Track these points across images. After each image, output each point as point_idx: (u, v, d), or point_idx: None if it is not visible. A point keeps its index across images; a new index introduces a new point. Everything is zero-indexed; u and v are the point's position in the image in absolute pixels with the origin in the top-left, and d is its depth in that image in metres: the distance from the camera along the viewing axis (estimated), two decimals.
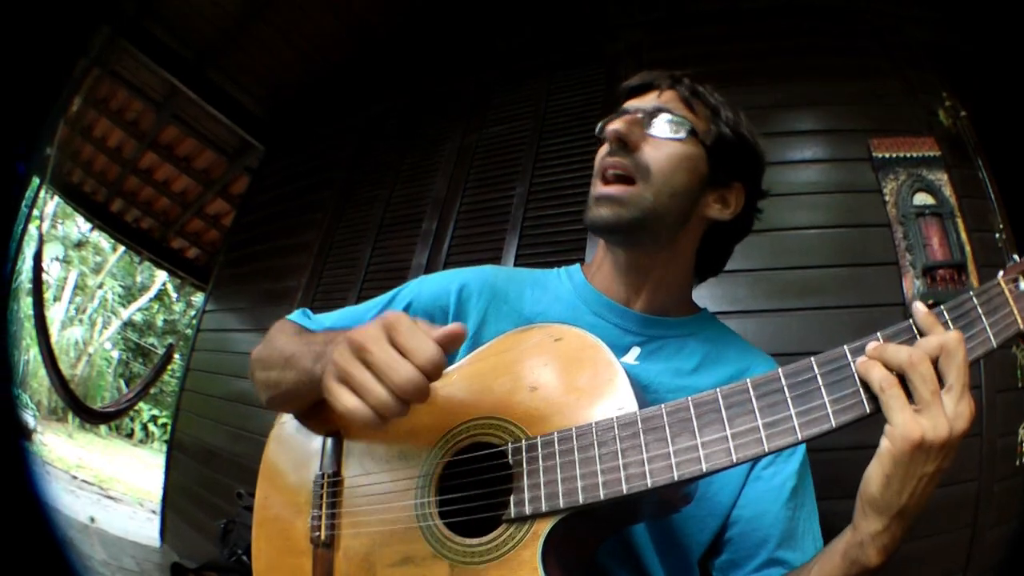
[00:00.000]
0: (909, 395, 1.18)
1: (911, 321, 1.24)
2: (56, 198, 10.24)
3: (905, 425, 1.16)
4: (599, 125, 1.84)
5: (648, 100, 1.81)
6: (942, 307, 1.24)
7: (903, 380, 1.19)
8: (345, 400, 1.31)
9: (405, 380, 1.26)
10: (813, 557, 1.48)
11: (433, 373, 1.30)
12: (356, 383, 1.31)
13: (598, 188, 1.74)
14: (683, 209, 1.77)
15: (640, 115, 1.75)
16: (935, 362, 1.19)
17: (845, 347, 1.25)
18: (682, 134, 1.73)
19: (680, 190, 1.73)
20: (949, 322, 1.23)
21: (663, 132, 1.73)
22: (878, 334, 1.25)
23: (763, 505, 1.62)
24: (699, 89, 1.83)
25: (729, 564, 1.65)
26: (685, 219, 1.79)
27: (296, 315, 2.01)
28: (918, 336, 1.23)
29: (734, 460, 1.24)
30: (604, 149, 1.78)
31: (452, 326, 1.35)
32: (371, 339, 1.32)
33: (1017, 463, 3.41)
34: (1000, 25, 3.81)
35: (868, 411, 1.21)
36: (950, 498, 3.32)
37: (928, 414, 1.16)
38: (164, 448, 8.90)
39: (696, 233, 1.86)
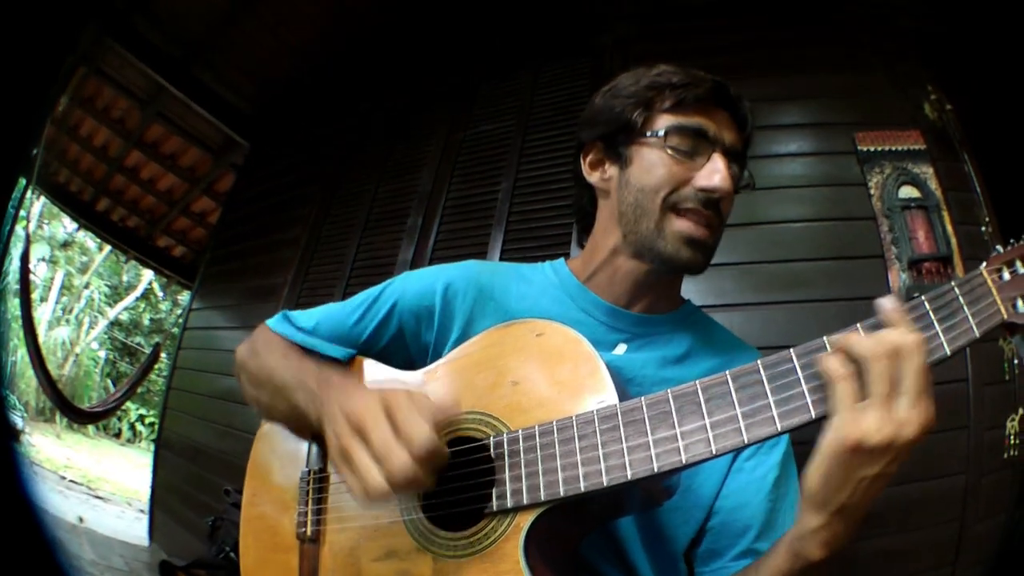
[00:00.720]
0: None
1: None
2: (43, 198, 10.22)
3: (845, 424, 1.15)
4: (648, 121, 1.74)
5: (725, 129, 1.73)
6: (923, 297, 1.22)
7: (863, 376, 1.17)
8: (350, 482, 1.36)
9: (399, 472, 1.29)
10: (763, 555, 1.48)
11: (428, 460, 1.31)
12: (355, 467, 1.34)
13: (690, 229, 1.67)
14: None
15: (727, 160, 1.69)
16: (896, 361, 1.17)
17: (825, 338, 1.24)
18: (746, 190, 1.77)
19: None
20: (930, 312, 1.22)
21: (738, 187, 1.74)
22: (858, 325, 1.23)
23: (744, 496, 1.62)
24: (750, 119, 1.81)
25: (709, 553, 1.65)
26: None
27: (277, 322, 1.99)
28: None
29: (713, 451, 1.24)
30: (677, 172, 1.68)
31: (450, 405, 1.41)
32: (371, 421, 1.35)
33: (1005, 456, 3.42)
34: (986, 17, 3.81)
35: None
36: (938, 492, 3.32)
37: (874, 414, 1.14)
38: (152, 447, 8.89)
39: None
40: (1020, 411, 3.46)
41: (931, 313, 1.21)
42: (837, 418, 1.16)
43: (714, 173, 1.65)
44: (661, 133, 1.70)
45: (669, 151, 1.69)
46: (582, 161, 1.91)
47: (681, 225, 1.67)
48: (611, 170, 1.82)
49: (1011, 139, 3.79)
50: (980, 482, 3.35)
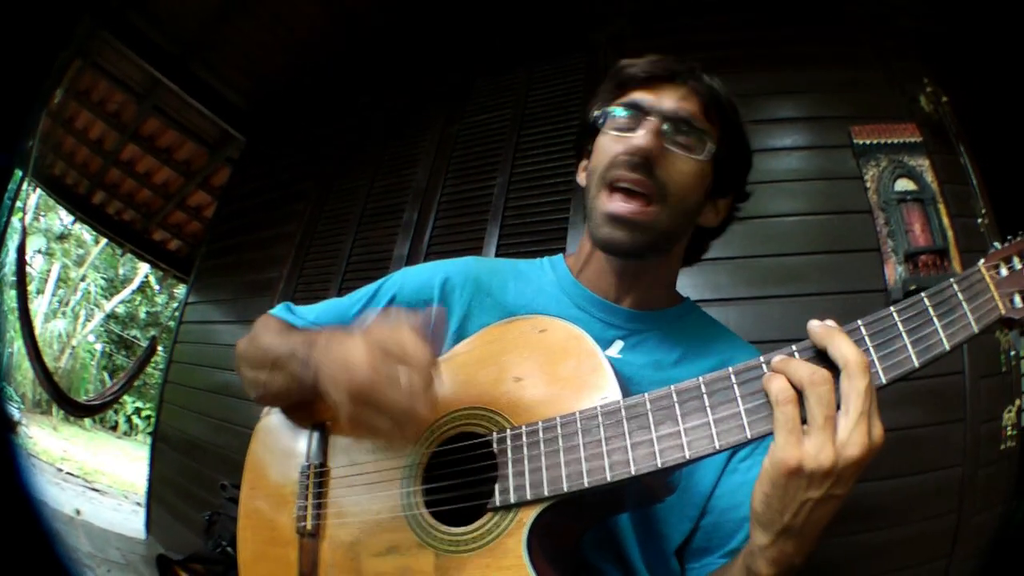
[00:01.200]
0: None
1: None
2: (39, 190, 10.22)
3: (783, 449, 1.15)
4: (602, 110, 1.77)
5: (666, 98, 1.70)
6: (923, 294, 1.23)
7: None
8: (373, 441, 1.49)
9: (422, 407, 1.34)
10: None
11: (429, 372, 1.36)
12: (376, 433, 1.43)
13: (611, 204, 1.66)
14: (691, 225, 1.78)
15: (659, 122, 1.66)
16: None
17: (761, 359, 1.26)
18: (703, 155, 1.67)
19: (692, 209, 1.73)
20: (930, 308, 1.22)
21: (684, 149, 1.66)
22: (793, 348, 1.25)
23: (738, 497, 1.60)
24: (716, 90, 1.74)
25: (700, 551, 1.65)
26: (687, 232, 1.80)
27: (279, 309, 2.01)
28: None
29: (717, 447, 1.24)
30: (614, 148, 1.68)
31: (433, 312, 1.40)
32: (379, 375, 1.35)
33: (1001, 448, 3.43)
34: (983, 12, 3.81)
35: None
36: (935, 484, 3.33)
37: (815, 439, 1.14)
38: (148, 440, 8.89)
39: (688, 238, 1.85)
40: (1017, 403, 3.48)
41: (931, 309, 1.22)
42: (776, 441, 1.17)
43: (633, 137, 1.64)
44: (602, 119, 1.74)
45: (612, 132, 1.71)
46: (577, 168, 1.93)
47: (604, 202, 1.68)
48: (586, 167, 1.84)
49: (1007, 131, 3.79)
50: (977, 474, 3.36)
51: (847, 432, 1.13)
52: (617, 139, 1.69)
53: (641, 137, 1.62)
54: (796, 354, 1.23)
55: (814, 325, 1.22)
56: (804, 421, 1.16)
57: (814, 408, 1.14)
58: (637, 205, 1.63)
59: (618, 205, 1.64)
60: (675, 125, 1.66)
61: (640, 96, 1.72)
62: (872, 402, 1.15)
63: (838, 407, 1.15)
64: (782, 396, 1.16)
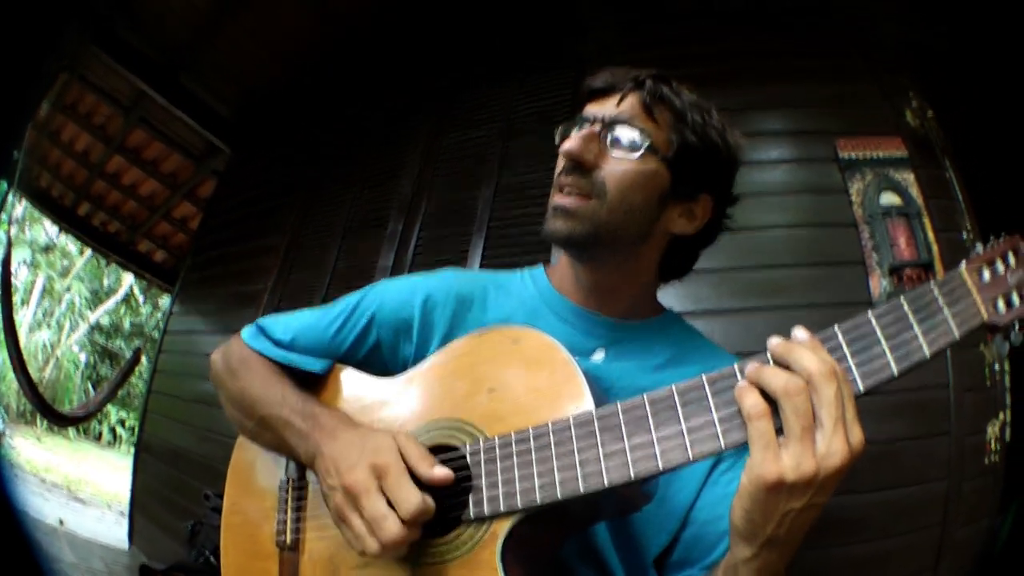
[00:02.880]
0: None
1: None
2: (24, 202, 10.20)
3: (762, 464, 1.13)
4: (558, 133, 1.79)
5: (608, 107, 1.73)
6: (902, 298, 1.20)
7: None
8: (347, 538, 1.45)
9: (389, 538, 1.35)
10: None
11: (418, 522, 1.37)
12: (352, 529, 1.42)
13: (553, 199, 1.70)
14: (642, 226, 1.74)
15: (597, 128, 1.69)
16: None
17: (736, 366, 1.24)
18: (638, 152, 1.67)
19: (637, 207, 1.70)
20: (909, 313, 1.20)
21: (619, 148, 1.67)
22: (768, 354, 1.22)
23: (719, 509, 1.57)
24: (664, 92, 1.73)
25: (680, 563, 1.63)
26: (646, 235, 1.76)
27: (253, 336, 1.96)
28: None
29: (691, 457, 1.22)
30: (559, 161, 1.73)
31: (443, 473, 1.41)
32: (363, 490, 1.40)
33: (986, 462, 3.44)
34: (967, 26, 3.83)
35: None
36: (919, 497, 3.34)
37: (793, 451, 1.12)
38: (132, 450, 8.88)
39: (659, 246, 1.82)
40: (1001, 417, 3.49)
41: (910, 314, 1.19)
42: (753, 457, 1.15)
43: (566, 142, 1.68)
44: (559, 135, 1.76)
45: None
46: None
47: (550, 200, 1.71)
48: None
49: (993, 146, 3.81)
50: (961, 488, 3.37)
51: (825, 443, 1.11)
52: None
53: (569, 141, 1.67)
54: (771, 360, 1.21)
55: (773, 344, 1.20)
56: (780, 432, 1.15)
57: (791, 419, 1.12)
58: (575, 198, 1.66)
59: (559, 197, 1.68)
60: (611, 128, 1.69)
61: (587, 109, 1.77)
62: (846, 408, 1.13)
63: (815, 417, 1.13)
64: (755, 411, 1.15)
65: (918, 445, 3.35)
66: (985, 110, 4.00)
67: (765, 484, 1.12)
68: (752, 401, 1.15)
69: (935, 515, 3.34)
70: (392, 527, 1.34)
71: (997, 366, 3.53)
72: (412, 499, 1.35)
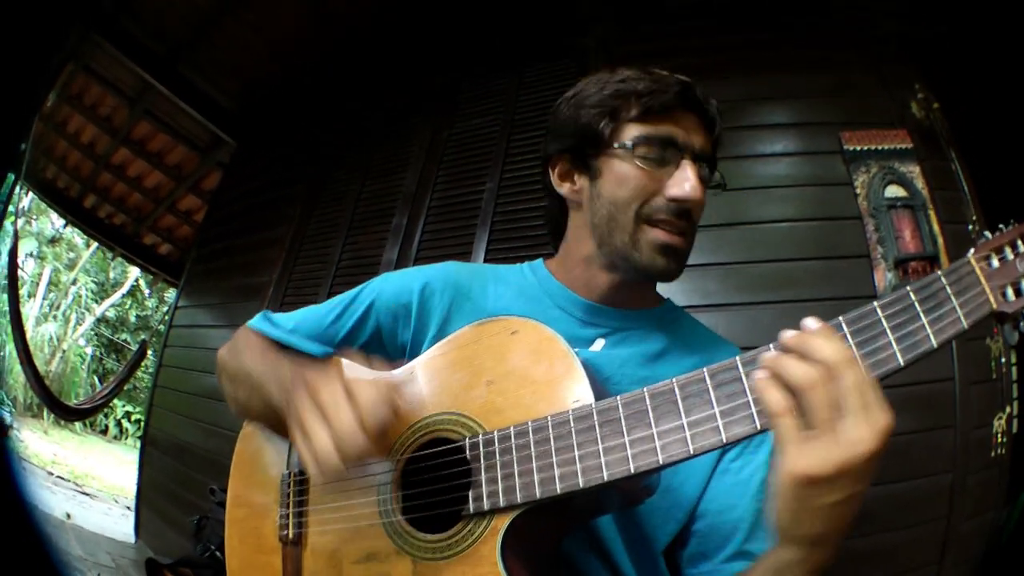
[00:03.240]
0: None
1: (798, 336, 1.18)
2: (31, 194, 10.20)
3: (793, 461, 1.11)
4: (617, 130, 1.70)
5: (693, 134, 1.69)
6: (908, 288, 1.19)
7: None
8: (304, 455, 1.39)
9: (350, 444, 1.33)
10: (747, 570, 1.45)
11: (379, 434, 1.36)
12: (310, 439, 1.37)
13: (662, 236, 1.65)
14: None
15: (697, 167, 1.65)
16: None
17: (739, 358, 1.23)
18: (713, 190, 1.71)
19: None
20: (916, 303, 1.18)
21: (707, 188, 1.69)
22: (771, 346, 1.20)
23: (732, 498, 1.59)
24: (719, 122, 1.75)
25: (698, 556, 1.63)
26: None
27: (258, 321, 1.99)
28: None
29: (691, 451, 1.21)
30: (648, 184, 1.65)
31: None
32: (328, 396, 1.39)
33: (992, 455, 3.43)
34: (972, 16, 3.82)
35: None
36: (924, 491, 3.33)
37: (821, 443, 1.09)
38: (138, 444, 8.88)
39: None
40: (1007, 410, 3.48)
41: (917, 304, 1.18)
42: (783, 454, 1.12)
43: (684, 182, 1.63)
44: (629, 145, 1.68)
45: (638, 162, 1.66)
46: (551, 172, 1.89)
47: (655, 235, 1.65)
48: (581, 182, 1.80)
49: (998, 137, 3.79)
50: (966, 481, 3.36)
51: (853, 430, 1.08)
52: (649, 173, 1.66)
53: (692, 189, 1.62)
54: (772, 350, 1.19)
55: (786, 337, 1.18)
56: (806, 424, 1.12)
57: (816, 411, 1.09)
58: (681, 239, 1.66)
59: (672, 238, 1.65)
60: (702, 164, 1.68)
61: (669, 130, 1.68)
62: (870, 391, 1.10)
63: (839, 405, 1.10)
64: (779, 407, 1.12)
65: (924, 439, 3.34)
66: (990, 101, 3.99)
67: (799, 480, 1.10)
68: (775, 397, 1.13)
69: (940, 508, 3.34)
70: (352, 428, 1.33)
71: (1004, 359, 3.52)
72: (377, 410, 1.35)
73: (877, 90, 3.93)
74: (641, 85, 1.71)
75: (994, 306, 1.17)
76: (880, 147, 3.71)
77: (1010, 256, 1.18)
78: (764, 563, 1.35)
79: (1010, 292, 1.17)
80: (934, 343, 1.15)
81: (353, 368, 1.77)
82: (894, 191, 3.62)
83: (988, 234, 1.24)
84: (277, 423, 1.66)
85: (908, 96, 3.89)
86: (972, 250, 1.23)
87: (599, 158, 1.73)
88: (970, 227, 3.61)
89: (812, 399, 1.10)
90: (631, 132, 1.69)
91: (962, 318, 1.16)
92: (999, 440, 3.45)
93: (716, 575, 1.59)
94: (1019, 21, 3.46)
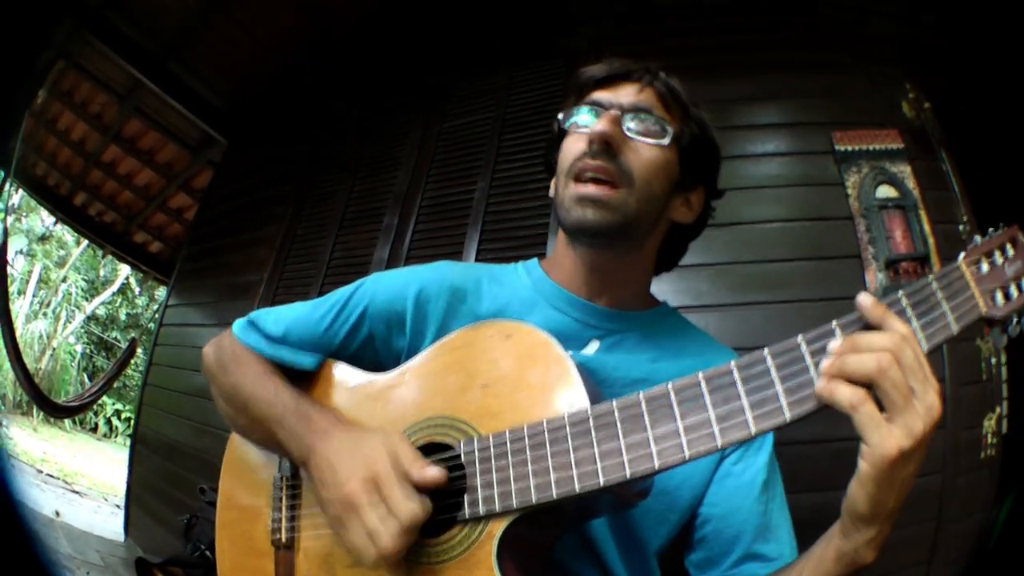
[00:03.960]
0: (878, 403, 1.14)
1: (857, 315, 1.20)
2: (21, 191, 10.19)
3: (883, 444, 1.13)
4: (566, 116, 1.79)
5: (624, 94, 1.74)
6: (900, 292, 1.21)
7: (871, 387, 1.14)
8: (346, 544, 1.43)
9: (390, 548, 1.34)
10: (796, 561, 1.47)
11: (417, 526, 1.36)
12: (350, 537, 1.40)
13: (579, 188, 1.67)
14: (656, 214, 1.75)
15: (618, 113, 1.69)
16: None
17: (799, 337, 1.22)
18: (665, 140, 1.69)
19: (657, 196, 1.71)
20: (908, 308, 1.20)
21: (646, 135, 1.69)
22: (834, 324, 1.20)
23: (735, 501, 1.61)
24: (672, 85, 1.77)
25: (705, 562, 1.64)
26: (655, 223, 1.77)
27: (245, 331, 1.94)
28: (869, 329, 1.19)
29: (687, 456, 1.22)
30: (577, 146, 1.71)
31: (436, 474, 1.39)
32: (361, 504, 1.39)
33: (981, 456, 3.43)
34: (963, 16, 3.82)
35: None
36: (914, 491, 3.33)
37: (901, 420, 1.12)
38: (127, 443, 8.87)
39: (660, 233, 1.83)
40: (997, 411, 3.48)
41: (908, 309, 1.20)
42: (871, 442, 1.14)
43: (594, 124, 1.67)
44: (566, 123, 1.78)
45: (574, 132, 1.74)
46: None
47: (573, 188, 1.68)
48: (555, 180, 1.85)
49: (989, 137, 3.80)
50: (956, 482, 3.36)
51: (923, 401, 1.13)
52: (579, 136, 1.71)
53: (599, 123, 1.65)
54: (837, 330, 1.20)
55: (868, 302, 1.19)
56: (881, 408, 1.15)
57: (891, 393, 1.12)
58: (605, 188, 1.64)
59: (587, 187, 1.65)
60: (633, 114, 1.69)
61: (599, 95, 1.76)
62: (923, 360, 1.15)
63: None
64: (857, 399, 1.14)
65: None
66: (980, 101, 4.00)
67: (889, 461, 1.13)
68: (847, 392, 1.14)
69: (930, 509, 3.33)
70: (391, 536, 1.33)
71: (994, 360, 3.53)
72: (409, 507, 1.34)
73: (868, 90, 3.93)
74: (587, 72, 1.82)
75: (983, 311, 1.20)
76: (871, 147, 3.71)
77: (999, 260, 1.21)
78: (824, 554, 1.37)
79: (999, 296, 1.20)
80: (924, 348, 1.17)
81: (345, 373, 1.78)
82: (885, 191, 3.62)
83: (978, 239, 1.26)
84: (280, 454, 1.73)
85: (899, 96, 3.89)
86: (962, 255, 1.25)
87: (560, 146, 1.81)
88: (961, 227, 3.62)
89: (887, 383, 1.13)
90: (569, 111, 1.79)
91: (952, 323, 1.19)
92: (989, 441, 3.46)
93: None
94: (1009, 20, 3.47)
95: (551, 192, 1.91)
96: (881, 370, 1.13)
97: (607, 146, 1.64)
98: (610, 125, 1.64)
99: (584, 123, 1.73)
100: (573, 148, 1.72)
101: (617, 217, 1.65)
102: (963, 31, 3.90)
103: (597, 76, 1.80)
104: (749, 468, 1.63)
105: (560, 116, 1.82)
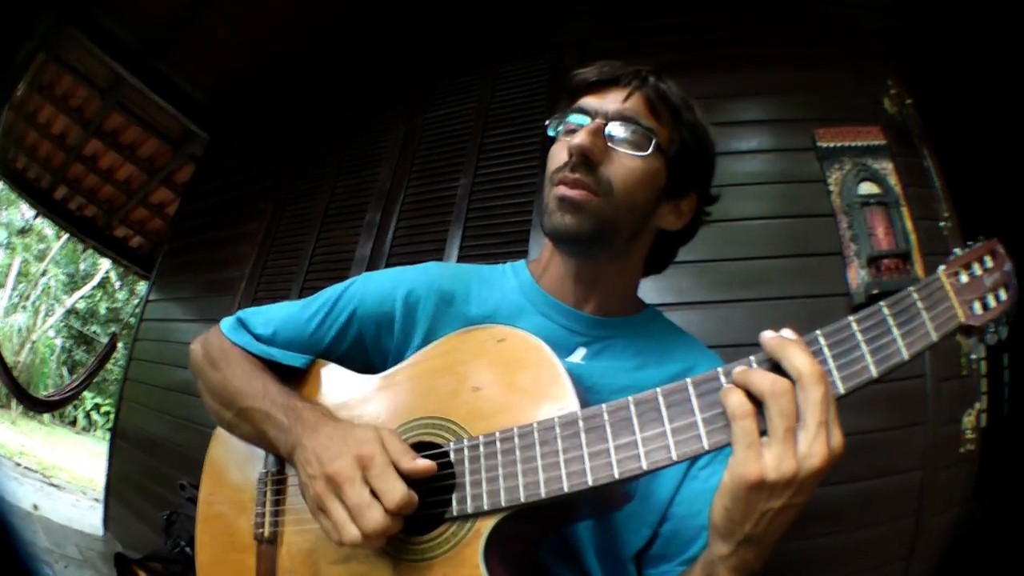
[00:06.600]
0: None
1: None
2: (1, 184, 10.15)
3: (744, 463, 1.15)
4: (553, 123, 1.80)
5: (610, 100, 1.73)
6: (882, 304, 1.24)
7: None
8: (325, 528, 1.42)
9: (373, 527, 1.34)
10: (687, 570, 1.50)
11: (402, 513, 1.37)
12: (333, 520, 1.39)
13: (560, 191, 1.66)
14: (640, 223, 1.74)
15: (602, 123, 1.68)
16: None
17: (719, 370, 1.25)
18: (647, 150, 1.67)
19: (639, 206, 1.71)
20: (889, 318, 1.23)
21: (627, 146, 1.67)
22: (751, 359, 1.25)
23: (697, 504, 1.60)
24: (663, 89, 1.75)
25: (658, 557, 1.64)
26: (640, 231, 1.77)
27: (234, 330, 1.94)
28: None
29: (674, 457, 1.24)
30: (560, 155, 1.71)
31: (425, 464, 1.40)
32: (347, 479, 1.39)
33: (961, 451, 3.45)
34: (945, 11, 3.84)
35: None
36: (894, 487, 3.35)
37: (775, 450, 1.14)
38: (107, 437, 8.86)
39: (647, 241, 1.84)
40: (977, 406, 3.50)
41: (889, 319, 1.22)
42: (736, 456, 1.17)
43: (575, 137, 1.66)
44: (553, 131, 1.78)
45: (562, 139, 1.74)
46: None
47: (553, 191, 1.68)
48: None
49: (970, 133, 3.82)
50: (936, 477, 3.38)
51: (807, 443, 1.13)
52: (564, 144, 1.71)
53: (579, 136, 1.65)
54: (754, 364, 1.23)
55: (767, 336, 1.22)
56: (764, 433, 1.16)
57: (775, 419, 1.14)
58: (583, 192, 1.64)
59: (567, 190, 1.65)
60: (618, 124, 1.68)
61: (586, 101, 1.75)
62: (830, 411, 1.15)
63: (798, 418, 1.15)
64: (739, 410, 1.16)
65: (894, 436, 3.35)
66: (962, 97, 4.01)
67: (746, 483, 1.14)
68: (737, 401, 1.17)
69: (910, 505, 3.35)
70: (376, 515, 1.33)
71: (974, 355, 3.54)
72: (397, 489, 1.35)
73: (850, 86, 3.94)
74: (578, 76, 1.80)
75: (962, 320, 1.23)
76: (854, 144, 3.71)
77: (978, 272, 1.26)
78: (699, 560, 1.41)
79: (977, 306, 1.24)
80: (905, 356, 1.21)
81: (335, 374, 1.78)
82: (867, 188, 3.63)
83: (957, 250, 1.31)
84: (267, 449, 1.73)
85: (881, 92, 3.90)
86: (942, 266, 1.29)
87: (549, 151, 1.81)
88: (942, 223, 3.63)
89: (775, 407, 1.14)
90: (560, 117, 1.79)
91: (932, 332, 1.23)
92: (968, 436, 3.47)
93: (670, 575, 1.61)
94: (992, 16, 3.48)
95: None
96: (773, 392, 1.15)
97: (586, 159, 1.64)
98: (589, 138, 1.64)
99: (570, 130, 1.73)
100: (557, 157, 1.72)
101: (592, 223, 1.65)
102: (945, 26, 3.92)
103: (587, 80, 1.79)
104: (716, 474, 1.59)
105: (549, 121, 1.82)
